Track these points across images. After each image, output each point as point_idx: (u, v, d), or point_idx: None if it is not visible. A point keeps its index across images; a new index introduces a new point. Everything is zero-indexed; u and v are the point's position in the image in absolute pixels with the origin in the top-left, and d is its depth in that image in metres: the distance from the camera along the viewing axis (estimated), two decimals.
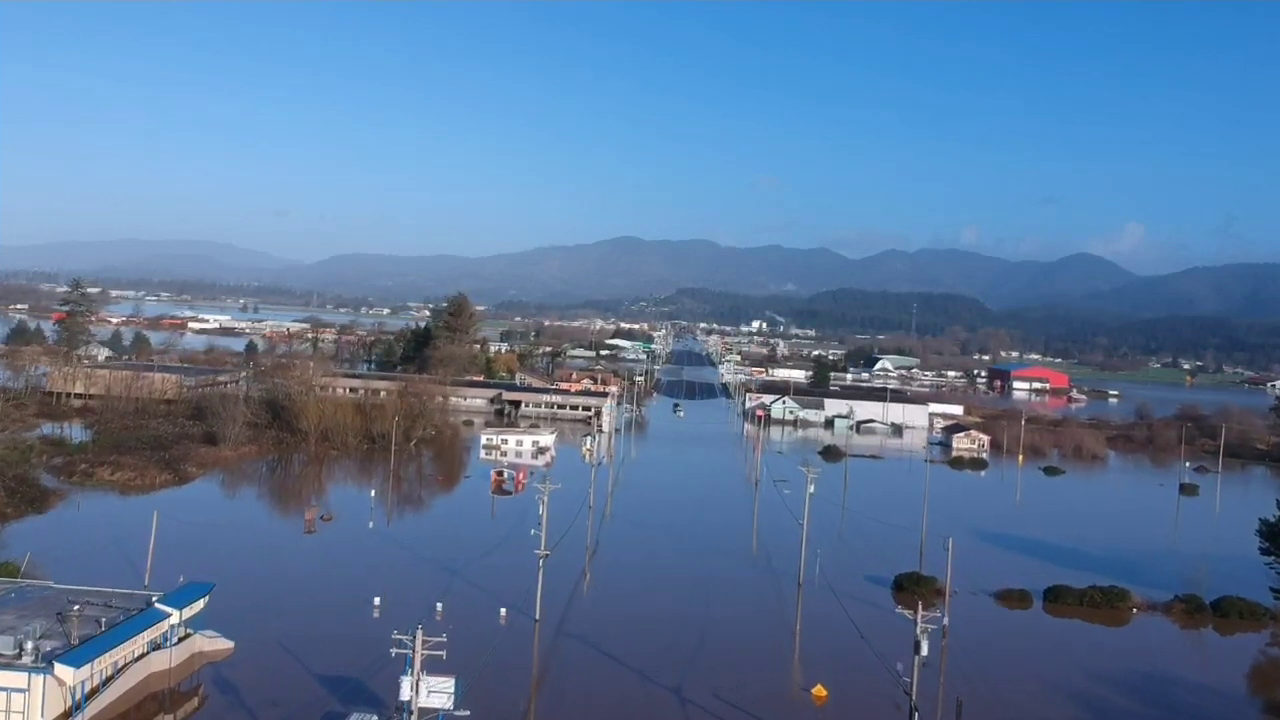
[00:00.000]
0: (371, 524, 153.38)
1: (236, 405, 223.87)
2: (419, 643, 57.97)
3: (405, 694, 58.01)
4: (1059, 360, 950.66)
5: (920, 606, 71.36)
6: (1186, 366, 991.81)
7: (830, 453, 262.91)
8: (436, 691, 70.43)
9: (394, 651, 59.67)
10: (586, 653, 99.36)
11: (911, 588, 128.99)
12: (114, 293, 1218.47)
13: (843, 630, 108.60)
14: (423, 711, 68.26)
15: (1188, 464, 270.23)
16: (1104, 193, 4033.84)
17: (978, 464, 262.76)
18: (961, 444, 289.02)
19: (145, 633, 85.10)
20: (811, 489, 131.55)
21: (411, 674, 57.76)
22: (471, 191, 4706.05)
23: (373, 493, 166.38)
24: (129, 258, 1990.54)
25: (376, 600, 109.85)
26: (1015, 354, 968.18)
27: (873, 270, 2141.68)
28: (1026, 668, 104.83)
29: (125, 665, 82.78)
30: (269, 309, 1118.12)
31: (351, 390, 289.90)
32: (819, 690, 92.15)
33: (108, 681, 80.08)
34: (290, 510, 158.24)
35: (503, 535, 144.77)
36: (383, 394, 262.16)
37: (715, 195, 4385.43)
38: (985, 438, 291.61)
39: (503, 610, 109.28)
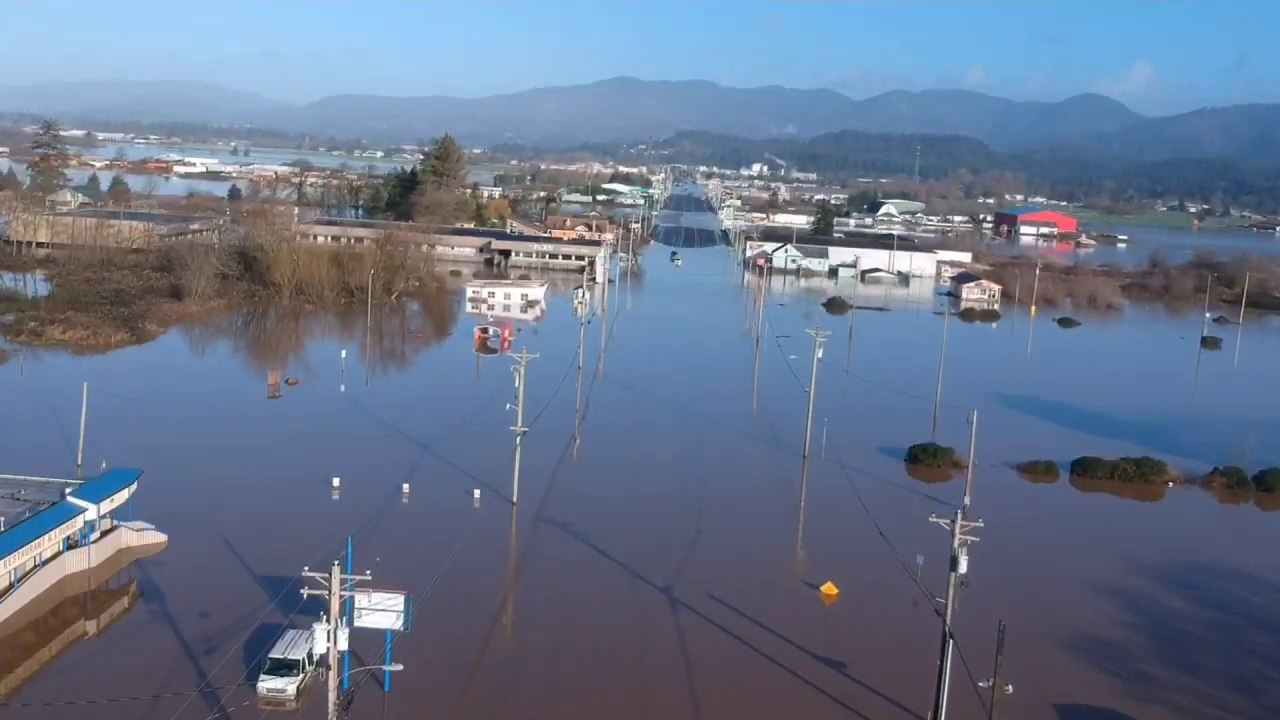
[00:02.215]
0: (344, 387, 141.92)
1: (206, 256, 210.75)
2: (336, 583, 45.84)
3: (320, 644, 45.58)
4: (1065, 204, 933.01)
5: (960, 515, 59.61)
6: (1193, 210, 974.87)
7: (834, 305, 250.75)
8: (381, 610, 59.66)
9: (305, 593, 47.84)
10: (568, 544, 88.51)
11: (927, 460, 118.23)
12: (100, 135, 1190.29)
13: (852, 512, 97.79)
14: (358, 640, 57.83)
15: (1208, 315, 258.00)
16: (1113, 31, 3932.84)
17: (989, 316, 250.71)
18: (972, 294, 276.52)
19: (55, 531, 73.93)
20: (820, 354, 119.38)
21: (328, 622, 45.53)
22: (466, 30, 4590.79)
23: (344, 353, 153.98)
24: (117, 99, 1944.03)
25: (336, 481, 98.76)
26: (1020, 197, 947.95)
27: (876, 111, 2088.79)
28: (1058, 556, 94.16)
29: (31, 570, 71.84)
30: (260, 152, 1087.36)
31: (335, 239, 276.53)
32: (828, 588, 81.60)
33: (6, 591, 69.20)
34: (253, 373, 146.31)
35: (484, 400, 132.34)
36: (367, 242, 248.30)
37: (715, 33, 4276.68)
38: (996, 287, 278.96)
39: (476, 492, 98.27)
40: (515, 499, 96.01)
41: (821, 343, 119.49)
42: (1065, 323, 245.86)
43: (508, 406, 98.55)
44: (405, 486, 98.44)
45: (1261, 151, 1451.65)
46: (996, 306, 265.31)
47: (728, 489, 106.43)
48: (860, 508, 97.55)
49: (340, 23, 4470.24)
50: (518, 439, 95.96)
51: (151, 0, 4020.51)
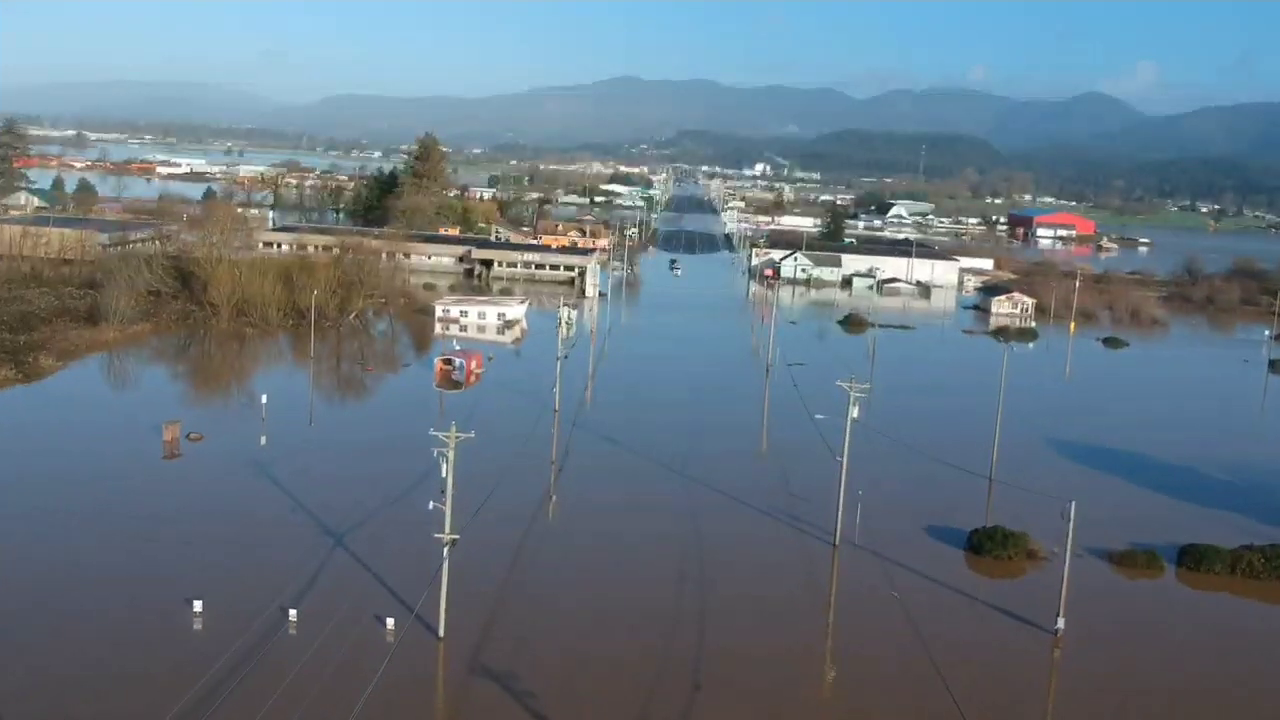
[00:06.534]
0: (264, 440, 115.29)
1: (138, 271, 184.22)
2: None
3: None
4: (1075, 204, 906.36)
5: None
6: (1205, 210, 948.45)
7: (852, 322, 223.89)
8: None
9: None
10: (509, 715, 61.85)
11: (994, 550, 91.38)
12: (93, 136, 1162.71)
13: (907, 647, 71.41)
14: None
15: (1268, 332, 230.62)
16: (1116, 29, 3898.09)
17: (1025, 334, 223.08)
18: (1002, 309, 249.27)
19: None
20: (855, 412, 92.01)
21: None
22: (466, 30, 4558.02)
23: (264, 398, 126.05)
24: (117, 99, 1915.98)
25: (198, 605, 72.03)
26: (1029, 197, 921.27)
27: (878, 110, 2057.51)
28: (1192, 715, 67.54)
29: None
30: (256, 152, 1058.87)
31: (300, 248, 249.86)
32: None
33: None
34: (154, 422, 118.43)
35: (429, 464, 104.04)
36: (334, 253, 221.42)
37: (717, 32, 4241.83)
38: (1030, 300, 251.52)
39: (390, 621, 71.52)
40: (442, 632, 69.48)
41: (857, 398, 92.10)
42: (1112, 343, 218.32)
43: (431, 505, 71.85)
44: (293, 614, 71.61)
45: (1266, 150, 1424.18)
46: (1032, 323, 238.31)
47: (734, 608, 79.17)
48: (918, 639, 71.18)
49: (341, 23, 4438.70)
50: (445, 550, 69.38)
51: (152, 1, 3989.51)
